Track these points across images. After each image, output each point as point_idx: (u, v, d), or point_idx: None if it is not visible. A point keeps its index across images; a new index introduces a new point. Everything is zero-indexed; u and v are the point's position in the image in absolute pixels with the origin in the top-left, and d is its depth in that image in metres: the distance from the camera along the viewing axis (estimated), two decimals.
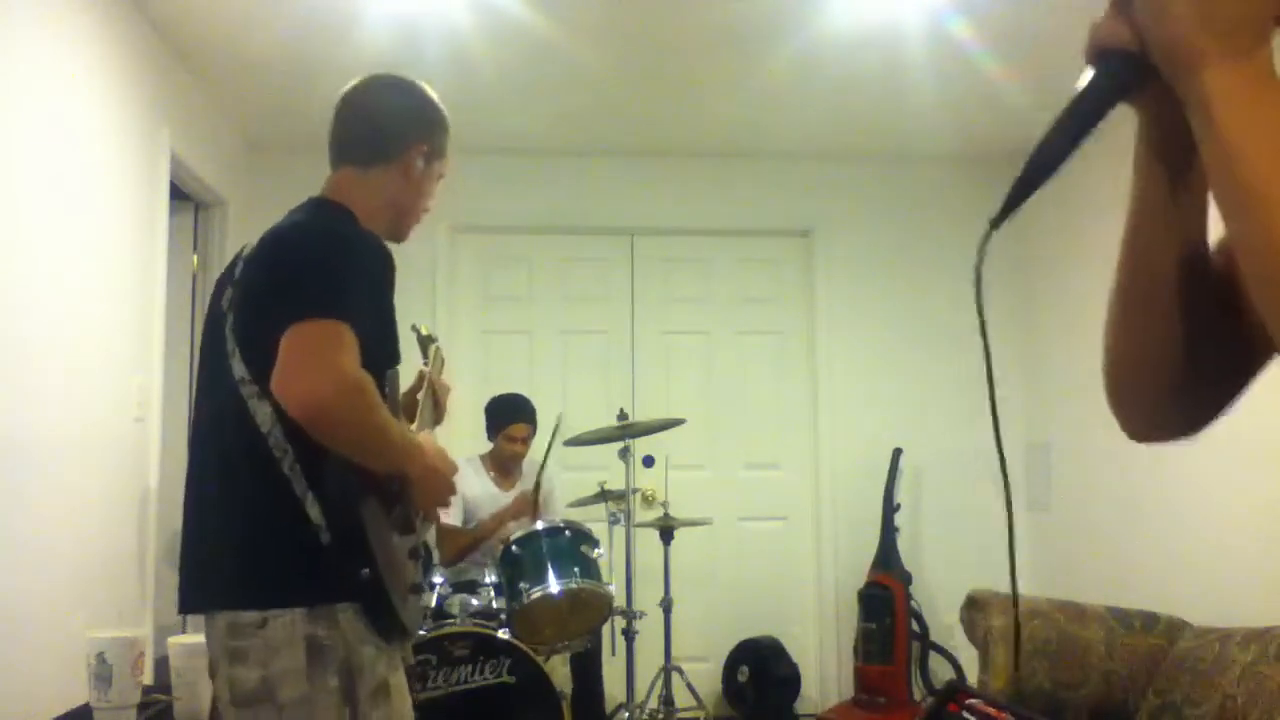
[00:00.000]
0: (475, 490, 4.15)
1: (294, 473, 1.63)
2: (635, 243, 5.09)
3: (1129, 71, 0.73)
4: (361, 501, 1.67)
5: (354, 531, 1.64)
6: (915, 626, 4.57)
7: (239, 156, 4.63)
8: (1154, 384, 0.85)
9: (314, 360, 1.57)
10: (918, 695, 4.52)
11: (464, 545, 4.01)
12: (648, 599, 4.09)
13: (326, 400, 1.56)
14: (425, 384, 2.16)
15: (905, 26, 3.60)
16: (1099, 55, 0.74)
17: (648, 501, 4.73)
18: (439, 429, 2.21)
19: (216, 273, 1.89)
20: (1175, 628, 3.24)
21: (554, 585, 3.36)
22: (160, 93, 3.65)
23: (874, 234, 5.05)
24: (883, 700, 4.40)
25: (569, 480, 4.40)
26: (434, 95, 1.99)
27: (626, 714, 3.89)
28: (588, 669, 4.02)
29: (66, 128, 2.96)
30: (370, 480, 1.70)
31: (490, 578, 3.57)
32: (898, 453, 4.77)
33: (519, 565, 3.42)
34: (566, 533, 3.52)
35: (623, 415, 3.97)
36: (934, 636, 4.63)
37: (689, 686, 4.15)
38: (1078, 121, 0.75)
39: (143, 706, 2.61)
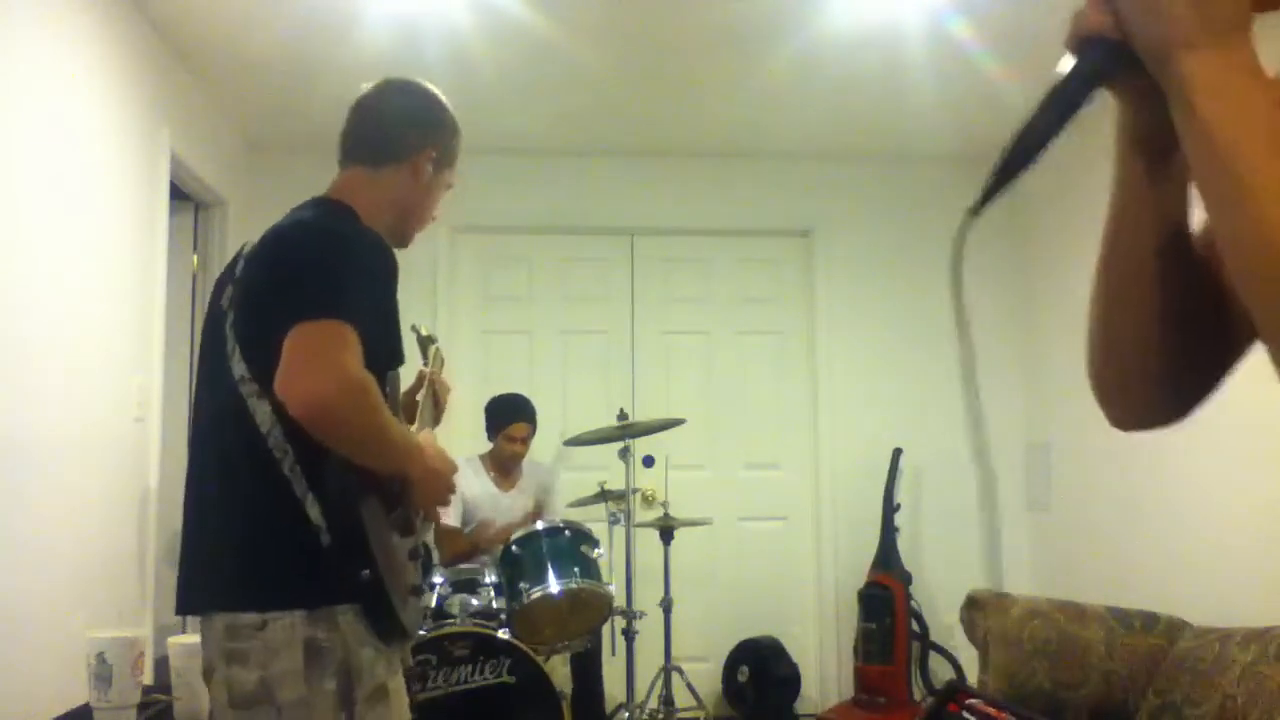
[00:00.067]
0: (475, 490, 4.15)
1: (294, 473, 1.62)
2: (635, 243, 5.09)
3: (1110, 60, 0.73)
4: (362, 502, 1.66)
5: (354, 532, 1.63)
6: (915, 626, 4.57)
7: (239, 156, 4.63)
8: (1137, 372, 0.85)
9: (317, 360, 1.56)
10: (918, 695, 4.52)
11: (463, 550, 4.01)
12: (648, 599, 4.09)
13: (329, 401, 1.55)
14: (425, 384, 2.16)
15: (905, 26, 3.60)
16: (1080, 43, 0.74)
17: (648, 501, 4.73)
18: (438, 429, 2.21)
19: (216, 273, 1.88)
20: (1175, 628, 3.24)
21: (554, 585, 3.36)
22: (160, 93, 3.65)
23: (874, 234, 5.05)
24: (883, 700, 4.40)
25: (569, 480, 4.41)
26: (448, 104, 1.99)
27: (626, 714, 3.90)
28: (588, 669, 4.02)
29: (66, 128, 2.96)
30: (371, 481, 1.69)
31: (490, 578, 3.57)
32: (898, 453, 4.77)
33: (519, 565, 3.43)
34: (566, 533, 3.52)
35: (623, 415, 3.97)
36: (934, 636, 4.63)
37: (689, 686, 4.15)
38: (1058, 109, 0.74)
39: (143, 706, 2.61)
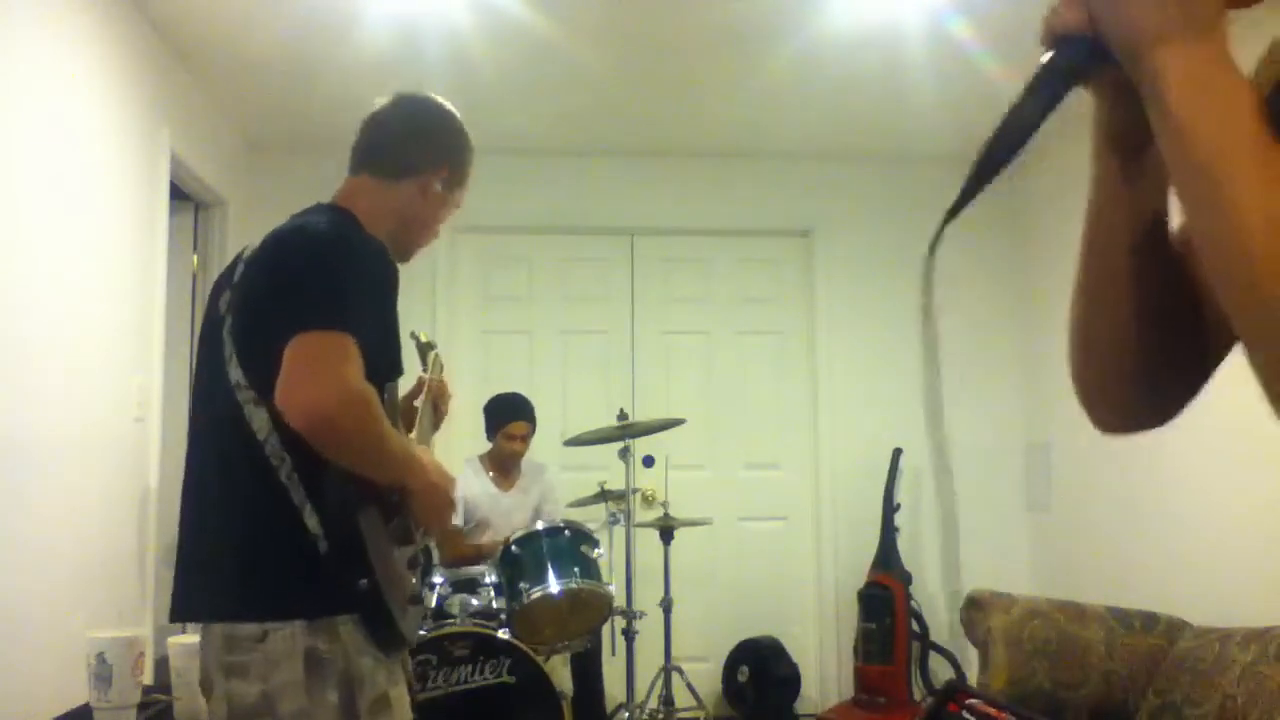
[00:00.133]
0: (475, 490, 4.16)
1: (291, 481, 1.61)
2: (635, 243, 5.09)
3: (1084, 56, 0.73)
4: (360, 511, 1.64)
5: (352, 541, 1.61)
6: (915, 626, 4.57)
7: (239, 156, 4.63)
8: (1114, 372, 0.84)
9: (319, 372, 1.54)
10: (918, 695, 4.52)
11: (465, 555, 4.01)
12: (648, 599, 4.09)
13: (330, 412, 1.54)
14: (425, 391, 2.15)
15: (905, 26, 3.60)
16: (1054, 40, 0.74)
17: (648, 501, 4.73)
18: (437, 434, 2.21)
19: (216, 273, 1.87)
20: (1175, 628, 3.24)
21: (554, 585, 3.36)
22: (160, 93, 3.65)
23: (874, 234, 5.04)
24: (883, 700, 4.40)
25: (569, 480, 4.41)
26: (463, 124, 1.99)
27: (626, 714, 3.90)
28: (588, 669, 4.02)
29: (66, 128, 2.96)
30: (369, 490, 1.67)
31: (490, 578, 3.57)
32: (898, 453, 4.77)
33: (519, 565, 3.43)
34: (566, 533, 3.52)
35: (623, 415, 3.97)
36: (934, 636, 4.64)
37: (689, 686, 4.15)
38: (1032, 108, 0.74)
39: (143, 706, 2.61)
